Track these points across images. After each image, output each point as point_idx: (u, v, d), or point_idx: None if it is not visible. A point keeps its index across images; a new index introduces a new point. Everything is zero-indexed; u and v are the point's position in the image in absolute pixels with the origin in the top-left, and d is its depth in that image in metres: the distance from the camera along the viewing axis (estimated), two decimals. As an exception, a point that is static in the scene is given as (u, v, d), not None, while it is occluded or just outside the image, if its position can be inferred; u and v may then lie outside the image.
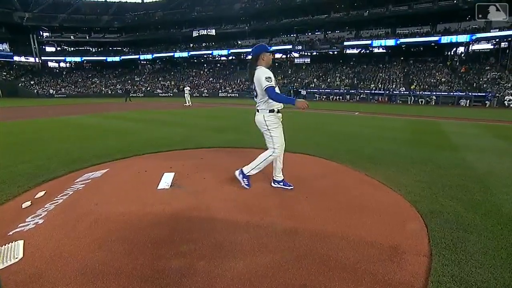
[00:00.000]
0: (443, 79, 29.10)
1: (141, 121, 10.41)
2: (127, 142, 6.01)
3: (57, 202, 2.69)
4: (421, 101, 26.66)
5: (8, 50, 45.06)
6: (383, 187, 3.33)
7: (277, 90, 2.86)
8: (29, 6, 47.38)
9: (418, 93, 27.43)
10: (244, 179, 3.18)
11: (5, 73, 43.42)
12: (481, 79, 27.50)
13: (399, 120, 11.30)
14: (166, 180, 3.26)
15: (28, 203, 2.70)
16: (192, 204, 2.71)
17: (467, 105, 24.47)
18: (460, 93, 25.67)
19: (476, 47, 33.17)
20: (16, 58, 46.53)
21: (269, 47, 3.11)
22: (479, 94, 24.92)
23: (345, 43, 36.80)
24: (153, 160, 4.40)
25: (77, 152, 5.02)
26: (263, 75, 2.80)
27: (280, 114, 3.02)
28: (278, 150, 3.02)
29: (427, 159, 4.69)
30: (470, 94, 25.15)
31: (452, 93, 26.12)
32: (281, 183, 3.24)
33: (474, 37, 29.49)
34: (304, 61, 42.04)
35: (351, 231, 2.28)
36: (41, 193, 2.96)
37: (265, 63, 2.97)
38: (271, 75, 2.83)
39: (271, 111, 2.93)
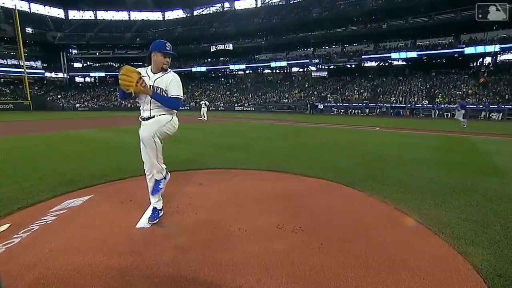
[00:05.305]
0: (469, 91, 27.34)
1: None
2: (128, 160, 5.62)
3: (13, 242, 2.21)
4: (447, 115, 25.03)
5: (41, 67, 48.50)
6: (419, 228, 2.61)
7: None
8: (62, 26, 51.10)
9: (442, 106, 25.81)
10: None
11: (36, 88, 46.37)
12: (513, 90, 25.58)
13: (426, 137, 10.28)
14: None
15: (-20, 242, 2.25)
16: (171, 255, 2.10)
17: (499, 118, 22.60)
18: (492, 106, 23.81)
19: (505, 57, 31.19)
20: (47, 74, 49.92)
21: (165, 47, 2.44)
22: (514, 106, 22.99)
23: (363, 56, 35.97)
24: (145, 185, 3.91)
25: (72, 171, 4.69)
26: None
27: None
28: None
29: (470, 187, 3.87)
30: (503, 106, 23.24)
31: (481, 106, 24.32)
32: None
33: (503, 46, 27.70)
34: (322, 75, 41.46)
35: (384, 305, 1.61)
36: (4, 227, 2.52)
37: (154, 64, 2.48)
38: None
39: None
